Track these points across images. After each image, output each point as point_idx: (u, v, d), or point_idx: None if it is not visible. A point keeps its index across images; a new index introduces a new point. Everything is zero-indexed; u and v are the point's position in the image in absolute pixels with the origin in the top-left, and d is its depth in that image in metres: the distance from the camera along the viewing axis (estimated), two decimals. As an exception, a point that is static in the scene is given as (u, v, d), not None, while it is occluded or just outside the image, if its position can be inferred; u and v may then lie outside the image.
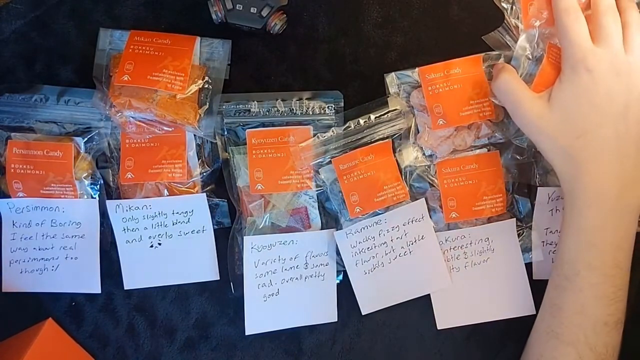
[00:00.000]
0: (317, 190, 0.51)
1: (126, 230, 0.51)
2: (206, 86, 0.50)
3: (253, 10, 0.49)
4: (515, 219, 0.52)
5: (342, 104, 0.51)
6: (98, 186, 0.51)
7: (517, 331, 0.51)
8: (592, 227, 0.44)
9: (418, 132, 0.51)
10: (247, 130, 0.50)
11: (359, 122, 0.50)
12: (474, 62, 0.49)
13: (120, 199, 0.51)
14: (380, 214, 0.51)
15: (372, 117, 0.50)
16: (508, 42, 0.50)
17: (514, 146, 0.51)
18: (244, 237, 0.50)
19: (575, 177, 0.44)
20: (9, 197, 0.50)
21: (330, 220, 0.52)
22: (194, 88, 0.49)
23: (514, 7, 0.48)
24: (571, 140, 0.44)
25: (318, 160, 0.50)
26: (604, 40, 0.43)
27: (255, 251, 0.51)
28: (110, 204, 0.51)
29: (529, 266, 0.52)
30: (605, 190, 0.43)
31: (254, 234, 0.51)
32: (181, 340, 0.53)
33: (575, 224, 0.44)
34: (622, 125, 0.43)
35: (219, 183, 0.52)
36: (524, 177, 0.52)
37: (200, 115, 0.49)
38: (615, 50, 0.43)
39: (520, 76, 0.48)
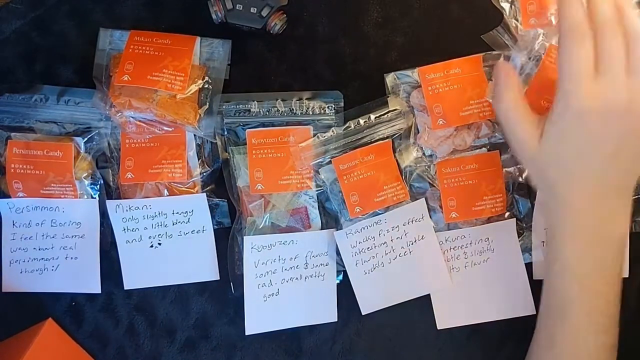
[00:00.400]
0: (317, 190, 0.51)
1: (126, 230, 0.51)
2: (206, 86, 0.50)
3: (253, 10, 0.49)
4: (515, 219, 0.52)
5: (342, 104, 0.51)
6: (98, 186, 0.51)
7: (517, 331, 0.51)
8: (575, 257, 0.43)
9: (418, 132, 0.51)
10: (247, 130, 0.50)
11: (359, 122, 0.50)
12: (474, 62, 0.49)
13: (120, 199, 0.51)
14: (380, 214, 0.51)
15: (372, 117, 0.50)
16: (507, 42, 0.50)
17: (514, 146, 0.51)
18: (244, 237, 0.50)
19: (558, 211, 0.44)
20: (9, 197, 0.50)
21: (330, 220, 0.52)
22: (194, 88, 0.49)
23: (513, 7, 0.49)
24: (556, 177, 0.43)
25: (318, 160, 0.50)
26: (603, 69, 0.39)
27: (255, 251, 0.51)
28: (110, 204, 0.51)
29: (529, 266, 0.52)
30: (583, 222, 0.42)
31: (254, 234, 0.51)
32: (181, 340, 0.53)
33: (559, 255, 0.44)
34: (610, 166, 0.41)
35: (219, 183, 0.52)
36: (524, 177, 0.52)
37: (200, 115, 0.49)
38: (615, 82, 0.39)
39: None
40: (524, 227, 0.52)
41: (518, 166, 0.51)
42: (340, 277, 0.52)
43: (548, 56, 0.46)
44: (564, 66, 0.40)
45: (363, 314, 0.52)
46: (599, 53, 0.39)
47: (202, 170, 0.51)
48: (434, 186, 0.51)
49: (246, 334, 0.52)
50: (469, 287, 0.52)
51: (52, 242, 0.52)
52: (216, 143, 0.51)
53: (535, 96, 0.47)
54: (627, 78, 0.39)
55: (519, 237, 0.52)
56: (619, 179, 0.42)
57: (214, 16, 0.50)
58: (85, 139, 0.50)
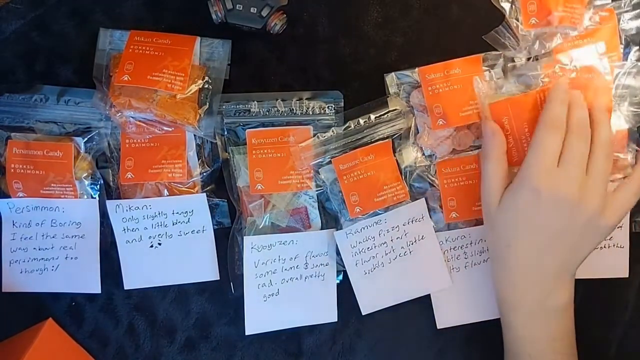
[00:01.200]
0: (317, 190, 0.51)
1: (126, 230, 0.51)
2: (206, 86, 0.50)
3: (253, 10, 0.49)
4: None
5: (342, 104, 0.51)
6: (98, 186, 0.51)
7: (517, 331, 0.51)
8: (520, 326, 0.47)
9: (418, 132, 0.51)
10: (247, 130, 0.50)
11: (359, 122, 0.50)
12: (474, 62, 0.49)
13: (120, 199, 0.51)
14: (380, 214, 0.51)
15: (372, 117, 0.50)
16: (507, 42, 0.50)
17: (514, 146, 0.51)
18: (244, 237, 0.50)
19: (502, 280, 0.47)
20: (9, 197, 0.50)
21: (330, 220, 0.52)
22: (194, 88, 0.49)
23: (513, 7, 0.49)
24: (503, 246, 0.46)
25: (318, 160, 0.50)
26: (565, 162, 0.44)
27: (255, 251, 0.51)
28: (110, 204, 0.51)
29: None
30: (526, 296, 0.46)
31: (254, 234, 0.51)
32: (181, 340, 0.53)
33: (507, 322, 0.48)
34: (554, 247, 0.44)
35: (219, 183, 0.52)
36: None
37: (200, 115, 0.49)
38: (572, 176, 0.43)
39: (514, 77, 0.49)
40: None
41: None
42: (340, 277, 0.52)
43: (541, 92, 0.47)
44: (533, 148, 0.44)
45: (363, 314, 0.52)
46: (565, 148, 0.44)
47: (202, 170, 0.51)
48: (434, 186, 0.51)
49: (246, 334, 0.52)
50: (469, 287, 0.52)
51: (52, 242, 0.52)
52: (216, 143, 0.51)
53: (502, 110, 0.47)
54: (583, 177, 0.44)
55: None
56: (557, 264, 0.45)
57: (214, 16, 0.50)
58: (85, 139, 0.50)
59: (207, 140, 0.51)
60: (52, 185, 0.50)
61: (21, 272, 0.52)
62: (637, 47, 0.50)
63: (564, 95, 0.45)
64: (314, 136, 0.50)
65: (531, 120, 0.46)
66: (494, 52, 0.50)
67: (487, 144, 0.47)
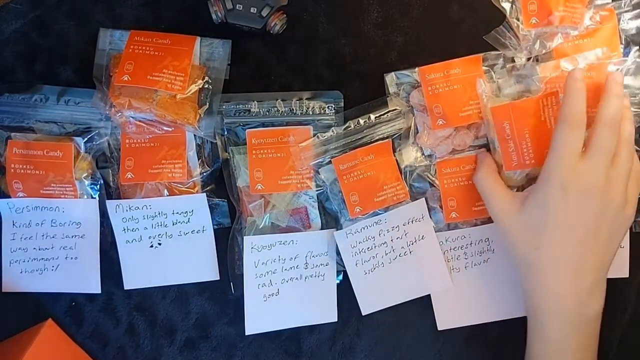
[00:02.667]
0: (317, 190, 0.51)
1: (126, 230, 0.51)
2: (206, 86, 0.50)
3: (253, 10, 0.49)
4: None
5: (342, 104, 0.51)
6: (98, 186, 0.51)
7: (517, 331, 0.51)
8: (555, 338, 0.45)
9: (418, 132, 0.51)
10: (247, 130, 0.50)
11: (359, 122, 0.50)
12: (473, 62, 0.49)
13: (120, 199, 0.51)
14: (380, 214, 0.51)
15: (372, 117, 0.50)
16: (508, 42, 0.50)
17: (514, 146, 0.51)
18: (244, 237, 0.50)
19: (534, 288, 0.45)
20: (9, 197, 0.50)
21: (330, 220, 0.52)
22: (194, 88, 0.49)
23: (514, 7, 0.48)
24: (530, 250, 0.45)
25: (318, 160, 0.50)
26: (593, 154, 0.43)
27: (255, 251, 0.51)
28: (110, 204, 0.51)
29: (529, 266, 0.52)
30: (563, 303, 0.44)
31: (254, 234, 0.51)
32: (181, 340, 0.53)
33: (538, 334, 0.46)
34: (587, 244, 0.43)
35: (219, 183, 0.52)
36: (524, 177, 0.52)
37: (200, 115, 0.49)
38: (600, 167, 0.42)
39: (513, 77, 0.48)
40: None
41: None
42: (340, 277, 0.52)
43: (543, 98, 0.46)
44: (555, 145, 0.43)
45: (363, 314, 0.52)
46: (593, 140, 0.43)
47: (202, 170, 0.51)
48: (434, 186, 0.51)
49: (246, 334, 0.52)
50: (470, 287, 0.52)
51: (52, 242, 0.52)
52: (216, 143, 0.51)
53: (504, 114, 0.47)
54: (609, 169, 0.43)
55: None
56: (592, 262, 0.44)
57: (214, 16, 0.50)
58: (85, 139, 0.50)
59: (207, 140, 0.51)
60: (52, 185, 0.50)
61: (21, 272, 0.52)
62: (637, 47, 0.50)
63: (580, 85, 0.43)
64: (314, 136, 0.50)
65: (532, 126, 0.46)
66: (494, 52, 0.50)
67: (478, 161, 0.49)
